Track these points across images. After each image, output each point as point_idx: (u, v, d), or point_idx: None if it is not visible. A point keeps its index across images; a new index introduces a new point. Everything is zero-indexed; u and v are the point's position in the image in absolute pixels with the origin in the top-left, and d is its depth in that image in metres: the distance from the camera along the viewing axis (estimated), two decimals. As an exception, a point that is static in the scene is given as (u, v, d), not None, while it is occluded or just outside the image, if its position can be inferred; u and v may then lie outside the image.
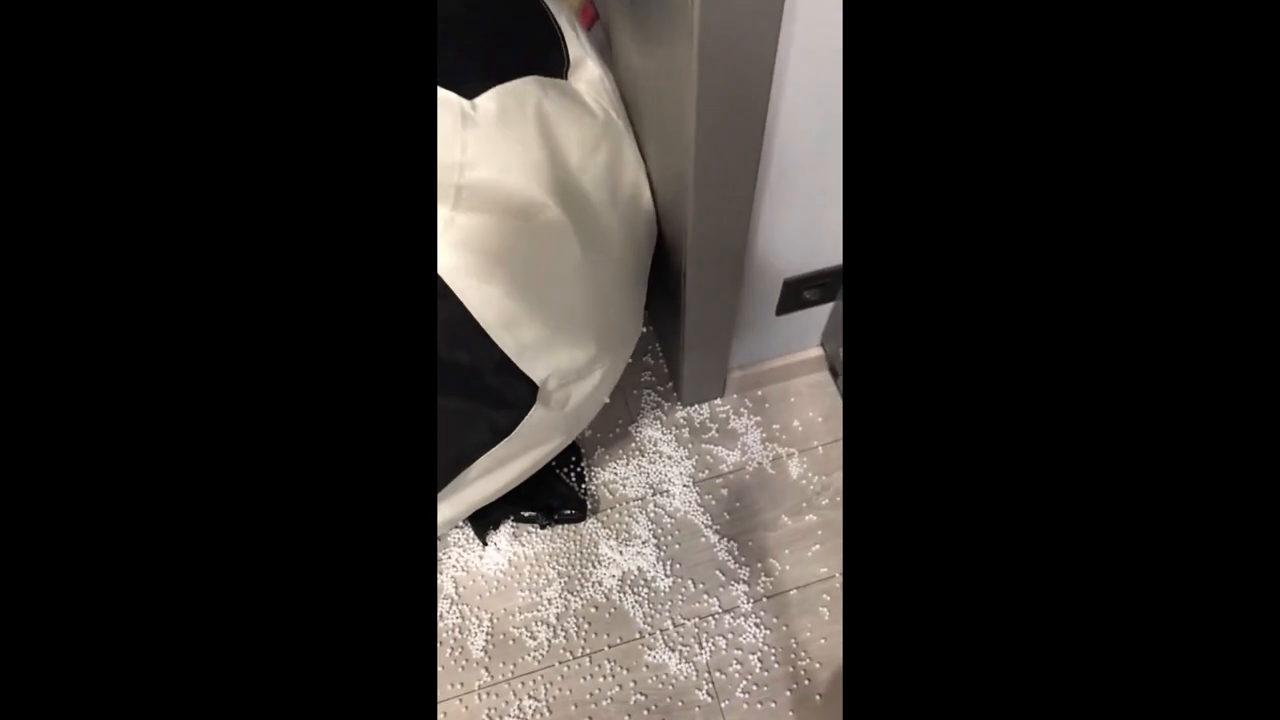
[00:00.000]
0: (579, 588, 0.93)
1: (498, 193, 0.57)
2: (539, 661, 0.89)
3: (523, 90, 0.60)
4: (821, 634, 0.90)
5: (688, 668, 0.88)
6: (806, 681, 0.87)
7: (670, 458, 1.01)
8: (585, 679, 0.88)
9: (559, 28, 0.68)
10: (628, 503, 0.98)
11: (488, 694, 0.87)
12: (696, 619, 0.91)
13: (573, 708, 0.86)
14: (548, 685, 0.88)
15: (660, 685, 0.87)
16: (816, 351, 1.04)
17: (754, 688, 0.87)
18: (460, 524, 0.96)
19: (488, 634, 0.90)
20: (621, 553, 0.95)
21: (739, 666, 0.88)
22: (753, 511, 0.98)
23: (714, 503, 0.98)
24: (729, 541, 0.95)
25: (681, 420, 1.04)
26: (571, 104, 0.65)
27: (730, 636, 0.90)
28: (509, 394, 0.62)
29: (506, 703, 0.87)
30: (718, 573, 0.93)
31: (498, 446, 0.65)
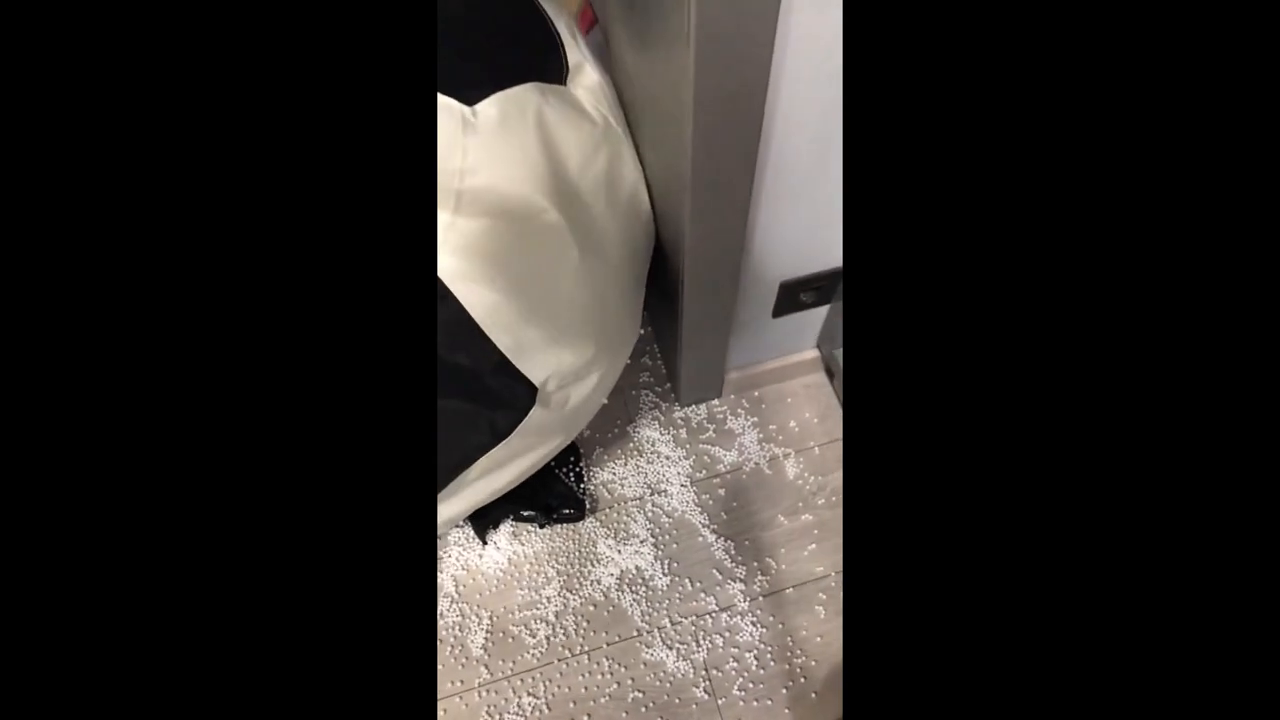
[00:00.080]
0: (578, 586, 0.94)
1: (498, 197, 0.58)
2: (538, 659, 0.90)
3: (523, 97, 0.60)
4: (817, 632, 0.91)
5: (685, 665, 0.89)
6: (803, 679, 0.88)
7: (668, 458, 1.02)
8: (584, 676, 0.89)
9: (558, 34, 0.69)
10: (626, 502, 0.99)
11: (487, 691, 0.88)
12: (694, 617, 0.92)
13: (571, 705, 0.87)
14: (547, 683, 0.88)
15: (658, 683, 0.88)
16: (813, 353, 1.04)
17: (750, 685, 0.88)
18: (460, 523, 0.97)
19: (487, 632, 0.91)
20: (620, 552, 0.96)
21: (736, 664, 0.89)
22: (750, 511, 0.98)
23: (711, 502, 0.99)
24: (726, 541, 0.96)
25: (679, 421, 1.05)
26: (571, 110, 0.65)
27: (727, 634, 0.90)
28: (508, 395, 0.63)
29: (506, 700, 0.88)
30: (715, 571, 0.94)
31: (497, 447, 0.66)
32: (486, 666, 0.89)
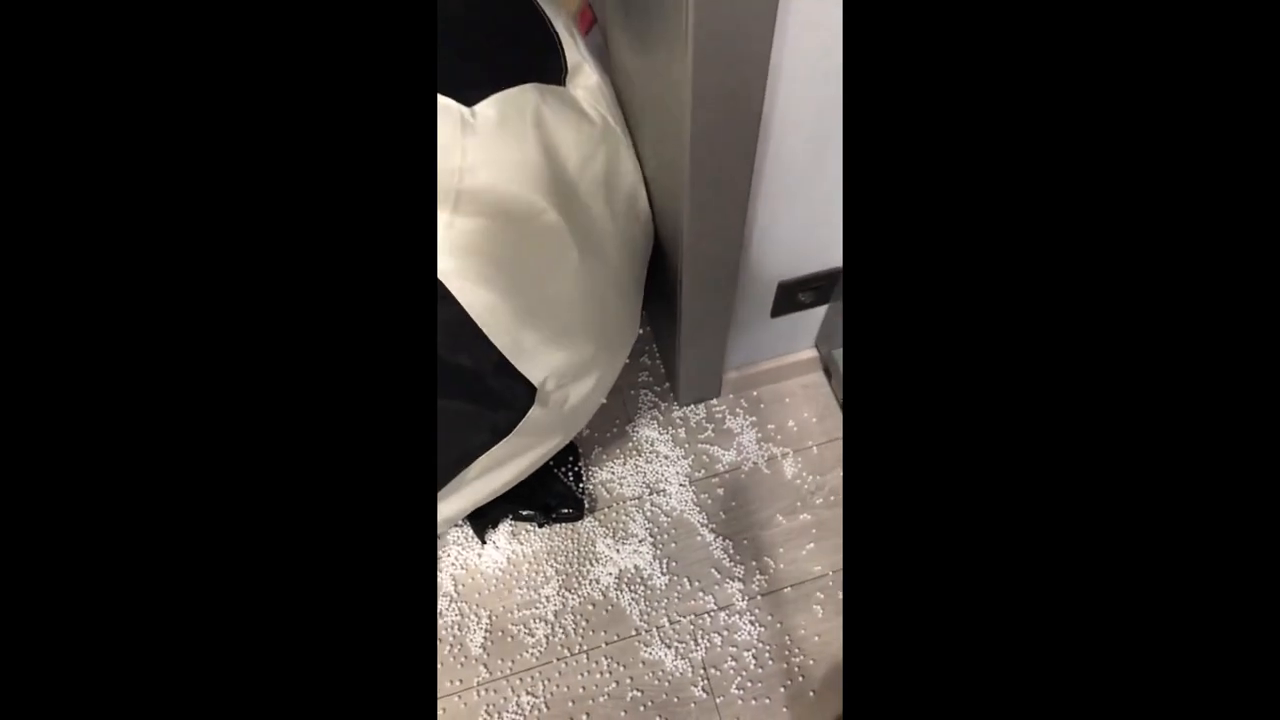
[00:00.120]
0: (576, 585, 0.94)
1: (496, 198, 0.58)
2: (537, 658, 0.90)
3: (522, 97, 0.61)
4: (816, 631, 0.91)
5: (683, 664, 0.89)
6: (801, 678, 0.89)
7: (667, 457, 1.02)
8: (582, 675, 0.89)
9: (557, 35, 0.69)
10: (625, 501, 0.99)
11: (486, 690, 0.88)
12: (692, 616, 0.92)
13: (570, 704, 0.88)
14: (545, 682, 0.89)
15: (656, 682, 0.88)
16: (811, 353, 1.05)
17: (749, 684, 0.88)
18: (459, 522, 0.97)
19: (486, 631, 0.91)
20: (618, 551, 0.96)
21: (734, 663, 0.89)
22: (748, 510, 0.99)
23: (710, 502, 0.99)
24: (724, 540, 0.96)
25: (678, 420, 1.05)
26: (570, 111, 0.66)
27: (726, 634, 0.91)
28: (507, 395, 0.63)
29: (505, 699, 0.88)
30: (713, 571, 0.94)
31: (496, 446, 0.66)
32: (485, 665, 0.90)
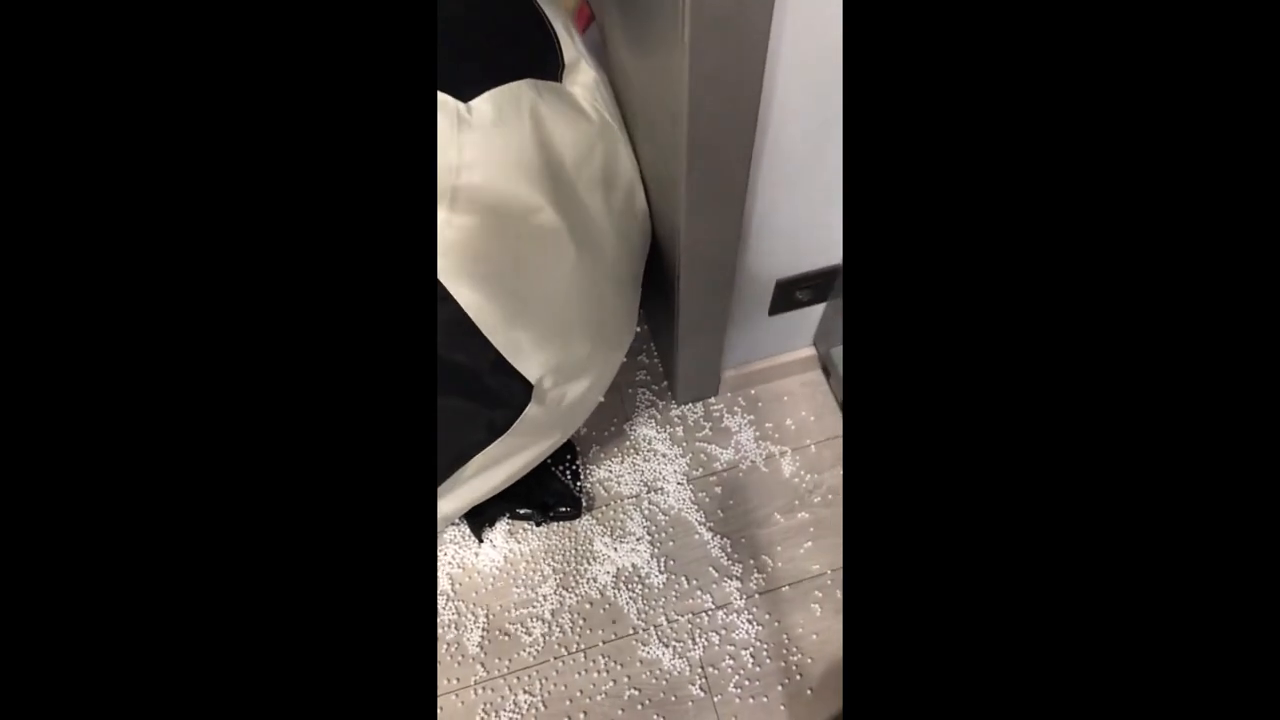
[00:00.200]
0: (574, 584, 0.94)
1: (493, 195, 0.58)
2: (534, 657, 0.90)
3: (518, 93, 0.60)
4: (814, 630, 0.91)
5: (681, 663, 0.89)
6: (798, 676, 0.89)
7: (664, 456, 1.02)
8: (580, 674, 0.89)
9: (554, 31, 0.69)
10: (622, 500, 0.99)
11: (483, 689, 0.88)
12: (690, 615, 0.92)
13: (567, 703, 0.87)
14: (543, 680, 0.89)
15: (654, 680, 0.88)
16: (809, 351, 1.05)
17: (746, 683, 0.88)
18: (456, 521, 0.97)
19: (484, 630, 0.91)
20: (616, 549, 0.96)
21: (732, 662, 0.89)
22: (746, 509, 0.99)
23: (707, 500, 0.99)
24: (722, 538, 0.96)
25: (676, 419, 1.05)
26: (566, 107, 0.65)
27: (723, 632, 0.91)
28: (504, 393, 0.63)
29: (502, 698, 0.88)
30: (711, 569, 0.94)
31: (493, 444, 0.66)
32: (483, 664, 0.89)
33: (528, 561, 0.95)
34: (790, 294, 0.87)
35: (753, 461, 1.02)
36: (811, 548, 0.96)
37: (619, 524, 0.97)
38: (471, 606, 0.93)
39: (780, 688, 0.88)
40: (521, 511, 0.96)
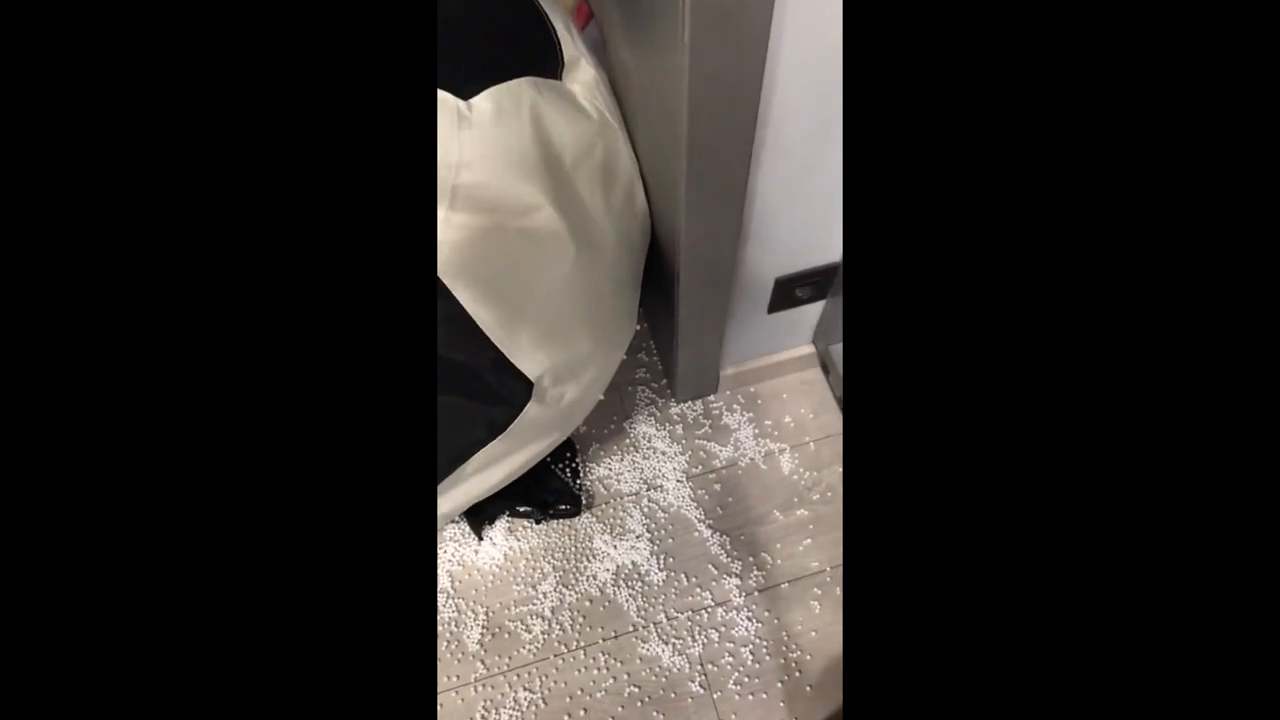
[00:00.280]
0: (574, 582, 0.94)
1: (493, 193, 0.58)
2: (534, 654, 0.90)
3: (518, 91, 0.60)
4: (813, 627, 0.91)
5: (681, 660, 0.89)
6: (798, 673, 0.89)
7: (664, 453, 1.02)
8: (580, 671, 0.89)
9: (554, 29, 0.69)
10: (622, 498, 0.99)
11: (483, 686, 0.88)
12: (689, 612, 0.92)
13: (567, 700, 0.88)
14: (543, 678, 0.89)
15: (654, 677, 0.89)
16: (808, 349, 1.05)
17: (746, 680, 0.88)
18: (456, 519, 0.97)
19: (483, 627, 0.91)
20: (616, 547, 0.96)
21: (731, 659, 0.89)
22: (745, 506, 0.99)
23: (707, 498, 0.99)
24: (722, 536, 0.97)
25: (675, 416, 1.05)
26: (566, 105, 0.65)
27: (723, 629, 0.91)
28: (505, 391, 0.63)
29: (502, 695, 0.88)
30: (710, 567, 0.95)
31: (494, 443, 0.66)
32: (482, 662, 0.90)
33: (527, 559, 0.95)
34: (789, 292, 0.87)
35: (752, 459, 1.02)
36: (810, 545, 0.96)
37: (619, 521, 0.98)
38: (471, 604, 0.93)
39: (780, 684, 0.88)
40: (521, 509, 0.96)
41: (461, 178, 0.57)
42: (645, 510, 0.98)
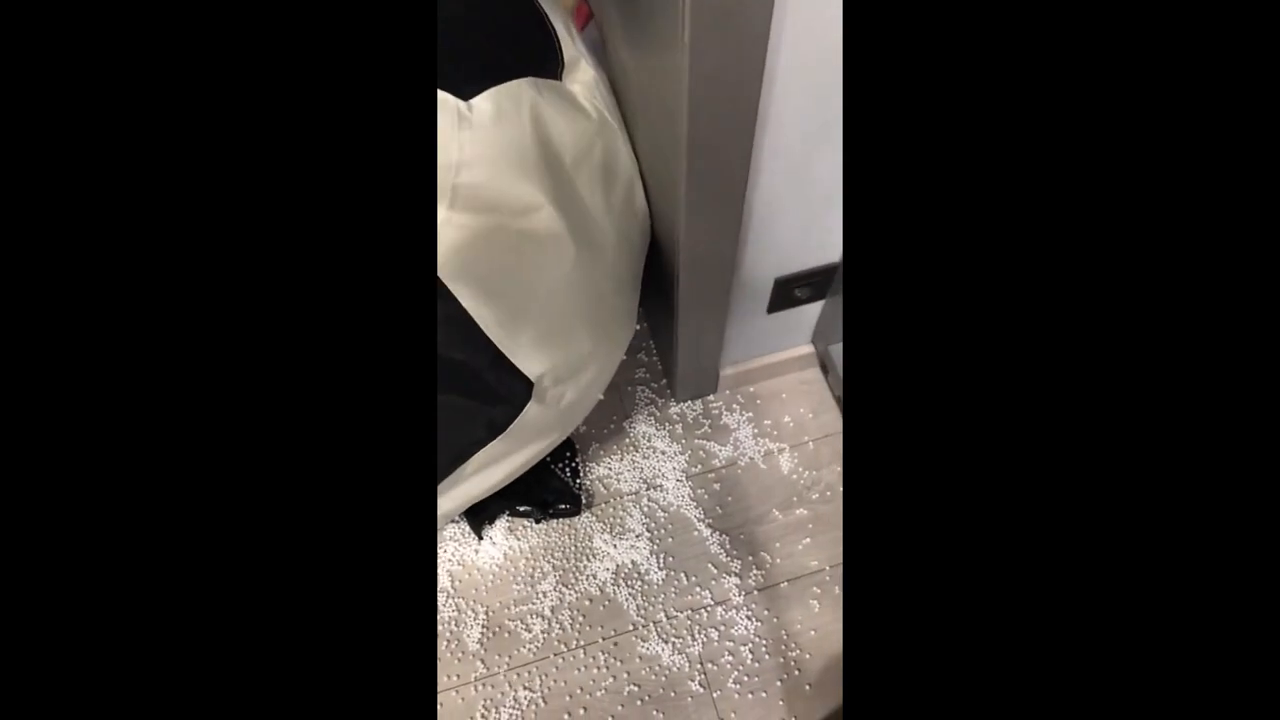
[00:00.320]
0: (573, 581, 0.94)
1: (493, 193, 0.58)
2: (534, 653, 0.90)
3: (518, 91, 0.61)
4: (812, 625, 0.91)
5: (680, 659, 0.89)
6: (797, 672, 0.89)
7: (664, 453, 1.03)
8: (580, 670, 0.89)
9: (554, 30, 0.69)
10: (622, 497, 1.00)
11: (483, 685, 0.89)
12: (689, 611, 0.92)
13: (567, 699, 0.88)
14: (543, 677, 0.89)
15: (653, 676, 0.89)
16: (807, 349, 1.05)
17: (745, 678, 0.88)
18: (456, 518, 0.97)
19: (483, 626, 0.92)
20: (615, 546, 0.96)
21: (731, 658, 0.89)
22: (744, 506, 0.99)
23: (706, 497, 0.99)
24: (721, 535, 0.97)
25: (675, 416, 1.06)
26: (566, 105, 0.66)
27: (722, 628, 0.91)
28: (505, 391, 0.63)
29: (502, 694, 0.88)
30: (710, 566, 0.95)
31: (494, 442, 0.66)
32: (482, 661, 0.90)
33: (527, 558, 0.96)
34: (789, 292, 0.87)
35: (751, 458, 1.02)
36: (810, 544, 0.96)
37: (618, 521, 0.98)
38: (471, 603, 0.93)
39: (779, 683, 0.88)
40: (521, 509, 0.96)
41: (461, 178, 0.57)
42: (645, 510, 0.99)
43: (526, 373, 0.63)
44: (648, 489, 1.00)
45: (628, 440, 1.04)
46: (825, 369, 1.07)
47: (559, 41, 0.69)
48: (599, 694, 0.88)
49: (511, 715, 0.87)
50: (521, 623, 0.92)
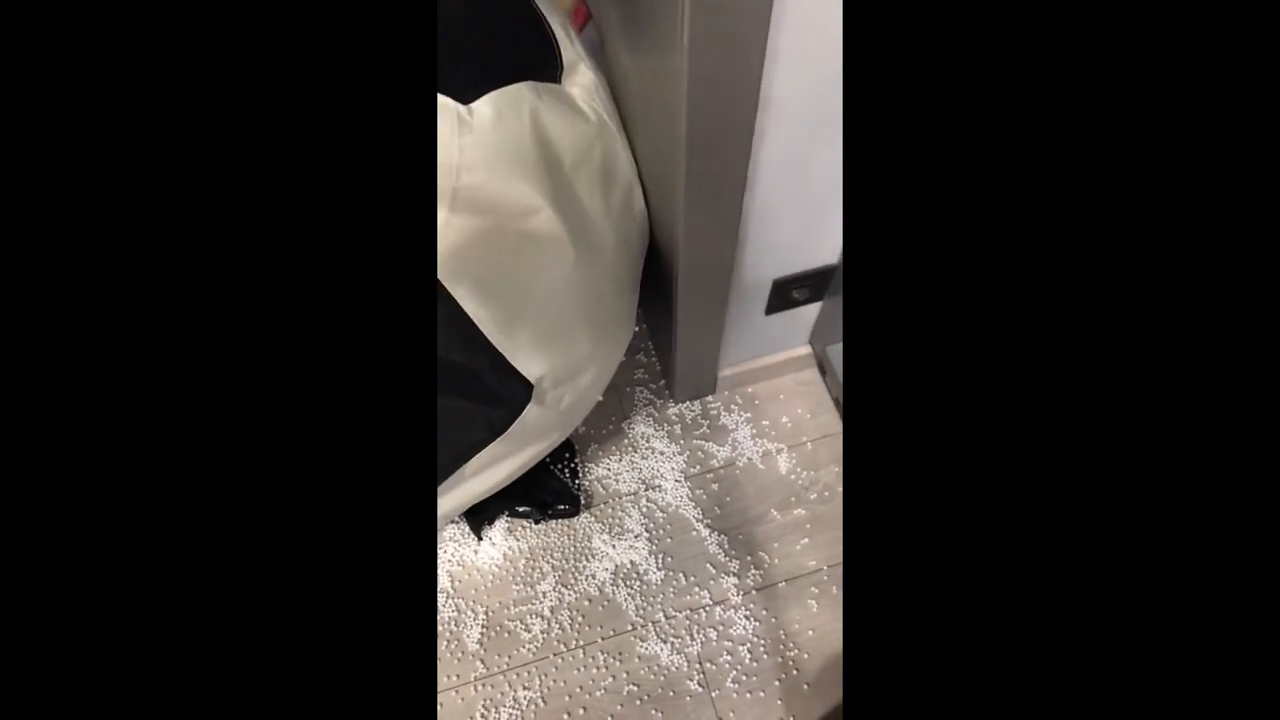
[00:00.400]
0: (573, 581, 0.94)
1: (493, 196, 0.58)
2: (533, 653, 0.90)
3: (518, 95, 0.61)
4: (810, 625, 0.92)
5: (679, 659, 0.90)
6: (795, 671, 0.89)
7: (662, 454, 1.03)
8: (579, 670, 0.89)
9: (553, 33, 0.69)
10: (620, 498, 1.00)
11: (483, 685, 0.89)
12: (688, 611, 0.92)
13: (567, 699, 0.88)
14: (542, 677, 0.89)
15: (652, 676, 0.89)
16: (805, 349, 1.05)
17: (744, 678, 0.89)
18: (456, 519, 0.97)
19: (483, 627, 0.92)
20: (614, 547, 0.96)
21: (729, 657, 0.90)
22: (743, 506, 0.99)
23: (705, 497, 1.00)
24: (719, 535, 0.97)
25: (673, 417, 1.06)
26: (565, 108, 0.66)
27: (721, 628, 0.91)
28: (505, 393, 0.64)
29: (502, 694, 0.88)
30: (708, 566, 0.95)
31: (494, 444, 0.66)
32: (482, 661, 0.90)
33: (527, 559, 0.96)
34: (787, 293, 0.87)
35: (750, 459, 1.02)
36: (808, 544, 0.97)
37: (617, 521, 0.98)
38: (471, 604, 0.93)
39: (777, 683, 0.89)
40: (520, 509, 0.96)
41: (462, 181, 0.57)
42: (644, 510, 0.99)
43: (526, 375, 0.64)
44: (646, 489, 1.00)
45: (626, 441, 1.04)
46: (823, 370, 1.07)
47: (558, 45, 0.69)
48: (598, 694, 0.88)
49: (511, 715, 0.87)
50: (521, 623, 0.92)
